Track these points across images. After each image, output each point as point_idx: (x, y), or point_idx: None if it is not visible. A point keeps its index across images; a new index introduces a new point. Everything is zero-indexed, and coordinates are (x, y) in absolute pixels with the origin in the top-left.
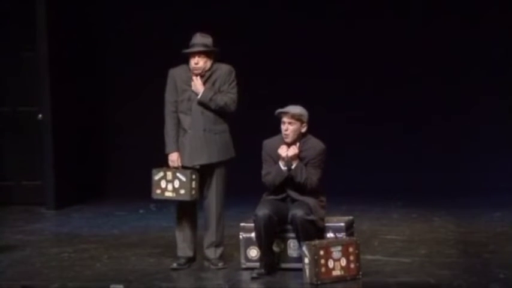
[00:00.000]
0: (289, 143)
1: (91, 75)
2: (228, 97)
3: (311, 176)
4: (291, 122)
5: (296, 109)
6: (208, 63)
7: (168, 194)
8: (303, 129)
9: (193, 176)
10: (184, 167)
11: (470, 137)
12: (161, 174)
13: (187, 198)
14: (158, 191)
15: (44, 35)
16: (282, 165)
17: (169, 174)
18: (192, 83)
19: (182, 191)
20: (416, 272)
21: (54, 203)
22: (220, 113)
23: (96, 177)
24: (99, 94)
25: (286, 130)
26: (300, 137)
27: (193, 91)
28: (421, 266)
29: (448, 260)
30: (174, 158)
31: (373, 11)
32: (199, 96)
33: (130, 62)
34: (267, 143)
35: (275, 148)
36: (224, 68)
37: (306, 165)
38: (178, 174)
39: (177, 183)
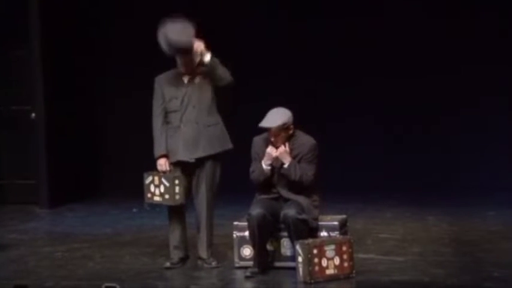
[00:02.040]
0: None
1: (85, 74)
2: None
3: (306, 171)
4: (276, 133)
5: (278, 120)
6: (196, 61)
7: (156, 198)
8: (290, 131)
9: (177, 181)
10: (176, 163)
11: (464, 136)
12: (150, 178)
13: (171, 203)
14: (149, 195)
15: (37, 34)
16: (264, 163)
17: (156, 179)
18: (198, 51)
19: (167, 196)
20: (410, 270)
21: (47, 202)
22: (218, 91)
23: (90, 176)
24: (92, 93)
25: (276, 142)
26: (289, 137)
27: (182, 89)
28: (414, 265)
29: (442, 258)
30: (162, 163)
31: (372, 9)
32: (207, 58)
33: (126, 61)
34: (256, 140)
35: (263, 146)
36: None
37: (299, 161)
38: (163, 179)
39: (162, 188)
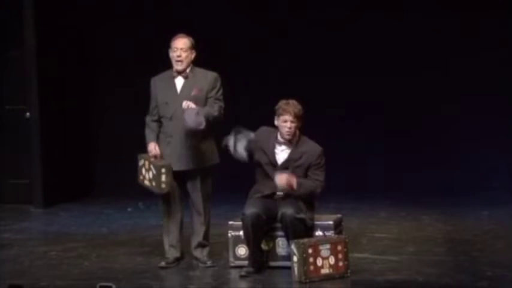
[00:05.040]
0: (289, 140)
1: (79, 73)
2: (218, 106)
3: (316, 178)
4: (293, 120)
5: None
6: (190, 58)
7: (146, 182)
8: (300, 125)
9: (163, 170)
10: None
11: (458, 136)
12: (142, 162)
13: (157, 190)
14: (141, 177)
15: (31, 33)
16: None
17: (146, 164)
18: (185, 110)
19: (154, 183)
20: (405, 270)
21: (42, 202)
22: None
23: (84, 175)
24: (87, 92)
25: (290, 128)
26: (295, 134)
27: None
28: (409, 264)
29: (436, 258)
30: (151, 148)
31: (368, 10)
32: (203, 126)
33: (121, 61)
34: (263, 130)
35: (266, 138)
36: (210, 75)
37: (308, 168)
38: (151, 166)
39: (150, 174)
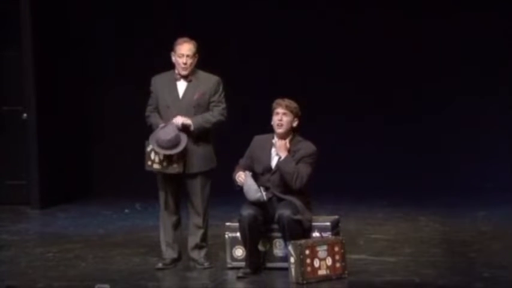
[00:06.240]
0: (281, 134)
1: (76, 74)
2: (221, 109)
3: (301, 170)
4: (286, 113)
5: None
6: (194, 62)
7: (156, 166)
8: (295, 123)
9: (174, 157)
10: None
11: (455, 137)
12: (150, 146)
13: (170, 171)
14: (149, 163)
15: (28, 34)
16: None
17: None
18: (177, 118)
19: (164, 163)
20: (401, 271)
21: (39, 203)
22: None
23: (82, 176)
24: (84, 93)
25: (281, 120)
26: (290, 132)
27: (172, 101)
28: (406, 265)
29: (433, 259)
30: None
31: (366, 9)
32: (192, 129)
33: (118, 62)
34: (257, 139)
35: (262, 147)
36: (213, 79)
37: (298, 162)
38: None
39: (162, 156)
